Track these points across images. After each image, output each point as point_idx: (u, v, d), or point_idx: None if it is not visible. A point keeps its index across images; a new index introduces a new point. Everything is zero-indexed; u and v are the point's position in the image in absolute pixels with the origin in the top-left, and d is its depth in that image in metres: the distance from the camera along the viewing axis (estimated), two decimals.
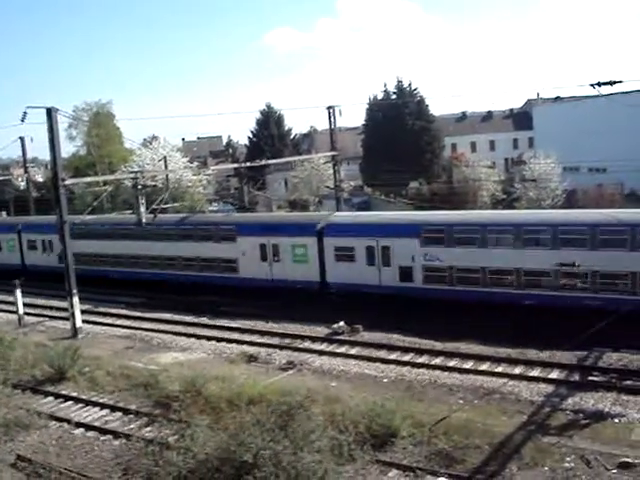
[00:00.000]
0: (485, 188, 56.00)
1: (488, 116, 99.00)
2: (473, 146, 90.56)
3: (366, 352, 24.90)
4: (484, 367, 22.34)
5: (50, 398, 22.55)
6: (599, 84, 23.18)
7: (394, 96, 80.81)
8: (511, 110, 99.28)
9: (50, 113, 29.48)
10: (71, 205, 43.81)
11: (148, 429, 19.03)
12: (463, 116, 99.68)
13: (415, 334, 26.58)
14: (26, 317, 33.74)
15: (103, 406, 21.43)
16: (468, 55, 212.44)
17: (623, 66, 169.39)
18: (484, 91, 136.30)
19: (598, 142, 54.65)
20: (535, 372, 21.49)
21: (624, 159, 38.81)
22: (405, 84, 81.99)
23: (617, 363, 21.61)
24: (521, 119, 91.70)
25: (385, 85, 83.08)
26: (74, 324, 30.20)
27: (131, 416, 20.34)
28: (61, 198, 30.22)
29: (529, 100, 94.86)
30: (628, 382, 19.92)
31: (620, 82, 23.38)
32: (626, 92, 39.55)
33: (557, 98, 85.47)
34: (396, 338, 26.23)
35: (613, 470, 14.89)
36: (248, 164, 50.98)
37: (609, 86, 23.31)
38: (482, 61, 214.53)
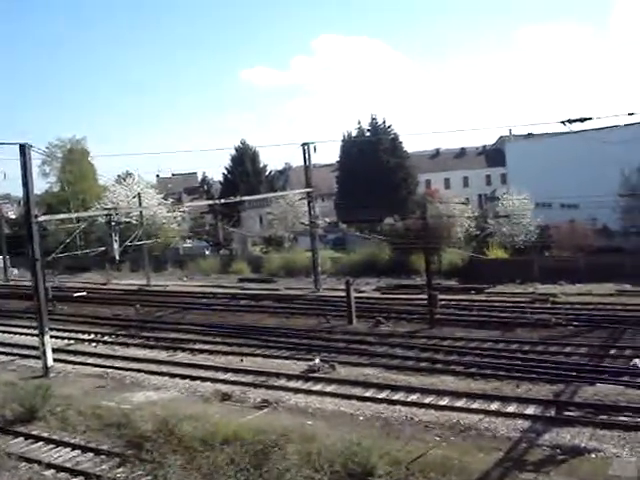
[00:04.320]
0: (459, 224, 56.34)
1: (461, 153, 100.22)
2: (447, 182, 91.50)
3: (342, 389, 24.68)
4: (460, 403, 22.23)
5: (20, 439, 22.02)
6: (570, 121, 23.56)
7: (368, 133, 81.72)
8: (484, 147, 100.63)
9: (24, 149, 29.30)
10: (44, 242, 43.44)
11: (120, 470, 18.61)
12: (437, 153, 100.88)
13: (390, 370, 26.60)
14: None
15: (74, 447, 20.94)
16: (441, 93, 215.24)
17: (594, 103, 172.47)
18: (457, 128, 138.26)
19: (570, 178, 55.31)
20: (511, 408, 21.40)
21: (596, 195, 39.28)
22: (379, 121, 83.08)
23: (592, 398, 21.60)
24: (494, 156, 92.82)
25: (359, 122, 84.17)
26: (45, 363, 29.72)
27: (103, 457, 19.89)
28: (34, 235, 29.92)
29: (501, 137, 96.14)
30: (604, 417, 19.91)
31: (590, 119, 23.81)
32: (597, 129, 40.20)
33: (529, 135, 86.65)
34: (372, 375, 26.11)
35: None
36: (223, 201, 51.03)
37: (579, 123, 23.69)
38: (455, 99, 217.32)
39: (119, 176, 76.86)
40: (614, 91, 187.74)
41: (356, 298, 37.53)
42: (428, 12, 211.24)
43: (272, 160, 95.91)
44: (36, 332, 31.04)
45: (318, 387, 25.33)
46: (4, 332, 39.49)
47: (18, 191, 37.62)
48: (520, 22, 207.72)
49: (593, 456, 17.19)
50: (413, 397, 23.23)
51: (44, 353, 29.77)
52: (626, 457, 17.00)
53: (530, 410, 21.12)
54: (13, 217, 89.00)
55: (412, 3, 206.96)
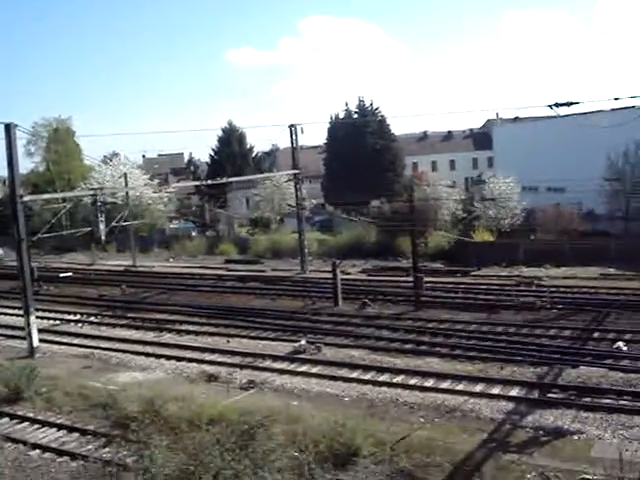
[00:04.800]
0: (446, 207, 56.47)
1: (448, 136, 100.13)
2: (434, 165, 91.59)
3: (327, 371, 24.79)
4: (445, 385, 22.37)
5: (5, 419, 22.00)
6: (557, 105, 23.59)
7: (356, 115, 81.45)
8: (471, 130, 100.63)
9: (9, 129, 29.09)
10: (29, 222, 43.25)
11: (106, 450, 18.65)
12: (424, 136, 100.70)
13: (376, 352, 26.76)
14: None
15: (60, 427, 20.95)
16: (429, 75, 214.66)
17: (581, 87, 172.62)
18: (445, 111, 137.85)
19: (556, 162, 55.47)
20: (495, 390, 21.57)
21: (582, 179, 39.43)
22: (367, 103, 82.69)
23: (576, 380, 21.80)
24: (481, 139, 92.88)
25: (347, 104, 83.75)
26: (31, 343, 29.65)
27: (89, 437, 19.92)
28: (19, 215, 29.76)
29: (488, 120, 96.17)
30: (587, 399, 20.11)
31: (577, 103, 23.85)
32: (584, 113, 40.20)
33: (516, 119, 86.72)
34: (357, 356, 26.24)
35: None
36: (209, 182, 50.95)
37: (566, 107, 23.74)
38: (443, 81, 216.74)
39: (105, 156, 76.58)
40: (600, 76, 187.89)
41: (342, 280, 37.62)
42: None
43: (259, 141, 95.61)
44: (21, 312, 31.00)
45: (304, 368, 25.43)
46: None
47: (3, 171, 37.47)
48: (507, 7, 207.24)
49: (576, 438, 17.37)
50: (398, 379, 23.36)
51: (29, 334, 29.72)
52: (608, 439, 17.20)
53: (514, 392, 21.30)
54: None
55: None
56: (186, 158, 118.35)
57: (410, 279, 36.92)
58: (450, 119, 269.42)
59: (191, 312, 36.71)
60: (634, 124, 35.76)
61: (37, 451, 19.21)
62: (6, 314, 38.40)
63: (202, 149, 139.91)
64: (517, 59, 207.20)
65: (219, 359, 27.39)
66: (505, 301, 33.95)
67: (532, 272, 41.68)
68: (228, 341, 30.14)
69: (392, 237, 51.58)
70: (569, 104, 23.52)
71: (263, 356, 27.20)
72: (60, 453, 18.90)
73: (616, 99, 23.82)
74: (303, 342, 27.96)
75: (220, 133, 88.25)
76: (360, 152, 74.42)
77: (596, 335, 27.72)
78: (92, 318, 37.12)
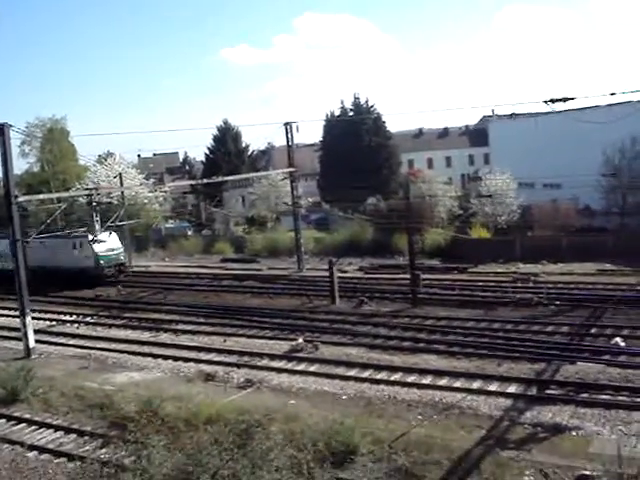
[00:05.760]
0: (442, 204, 56.40)
1: (444, 133, 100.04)
2: (430, 162, 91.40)
3: (325, 369, 24.74)
4: (442, 382, 22.33)
5: (2, 420, 21.97)
6: (552, 101, 23.60)
7: (351, 113, 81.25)
8: (467, 127, 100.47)
9: (2, 129, 28.99)
10: (24, 223, 43.09)
11: (103, 451, 18.61)
12: (420, 133, 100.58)
13: (373, 349, 26.70)
14: None
15: (57, 428, 20.92)
16: (424, 72, 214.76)
17: (577, 83, 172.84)
18: (441, 108, 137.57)
19: (553, 158, 55.43)
20: (493, 386, 21.53)
21: (578, 175, 39.39)
22: (362, 101, 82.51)
23: (574, 376, 21.77)
24: (477, 135, 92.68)
25: (342, 102, 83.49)
26: (27, 344, 29.58)
27: (86, 438, 19.88)
28: (14, 215, 29.68)
29: (484, 117, 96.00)
30: (585, 395, 20.08)
31: (573, 99, 23.87)
32: (580, 109, 40.26)
33: (512, 115, 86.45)
34: (355, 354, 26.19)
35: None
36: (205, 181, 50.81)
37: (562, 103, 23.75)
38: (438, 78, 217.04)
39: (100, 156, 76.35)
40: (596, 72, 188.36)
41: (339, 278, 37.54)
42: None
43: (254, 140, 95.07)
44: (17, 313, 30.91)
45: (301, 367, 25.38)
46: None
47: None
48: (503, 2, 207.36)
49: (574, 434, 17.36)
50: (396, 376, 23.31)
51: (26, 335, 29.64)
52: (606, 435, 17.19)
53: (512, 388, 21.28)
54: None
55: None
56: (181, 157, 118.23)
57: (407, 276, 36.87)
58: (446, 116, 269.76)
59: (188, 311, 36.65)
60: (630, 119, 35.76)
61: (34, 452, 19.21)
62: (2, 315, 38.36)
63: (197, 148, 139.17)
64: (513, 55, 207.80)
65: (216, 358, 27.33)
66: (502, 298, 33.90)
67: (529, 268, 41.72)
68: (225, 340, 30.07)
69: (389, 235, 51.48)
70: (565, 100, 23.55)
71: (260, 355, 27.14)
72: (57, 454, 18.88)
73: (612, 94, 23.86)
74: (300, 340, 27.92)
75: (215, 132, 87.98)
76: (356, 150, 74.26)
77: (593, 331, 27.68)
78: (88, 319, 37.07)
